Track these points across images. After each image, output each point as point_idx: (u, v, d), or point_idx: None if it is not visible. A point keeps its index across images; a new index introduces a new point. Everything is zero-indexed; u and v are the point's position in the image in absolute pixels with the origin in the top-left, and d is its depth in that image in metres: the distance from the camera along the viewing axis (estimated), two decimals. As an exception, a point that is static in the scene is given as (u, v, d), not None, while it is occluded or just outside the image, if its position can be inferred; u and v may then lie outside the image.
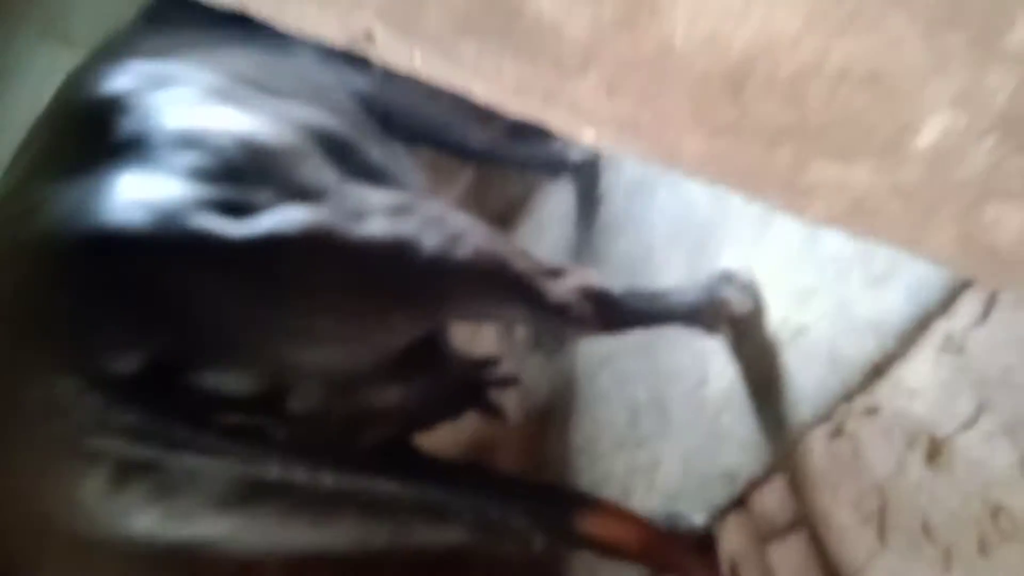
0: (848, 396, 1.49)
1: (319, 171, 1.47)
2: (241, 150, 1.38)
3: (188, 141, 1.36)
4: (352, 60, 2.12)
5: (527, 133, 2.47)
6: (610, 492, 2.03)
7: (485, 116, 2.42)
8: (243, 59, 1.75)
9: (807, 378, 1.57)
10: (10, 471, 1.30)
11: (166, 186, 1.29)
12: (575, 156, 2.45)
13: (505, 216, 3.01)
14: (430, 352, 1.59)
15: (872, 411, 1.44)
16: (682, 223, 2.03)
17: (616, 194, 2.38)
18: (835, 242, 1.59)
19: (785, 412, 1.60)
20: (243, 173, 1.35)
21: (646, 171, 2.25)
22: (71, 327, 1.22)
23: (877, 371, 1.44)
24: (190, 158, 1.34)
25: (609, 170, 2.45)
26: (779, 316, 1.67)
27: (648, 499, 1.91)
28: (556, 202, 2.71)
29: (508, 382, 2.04)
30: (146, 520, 1.33)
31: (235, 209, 1.30)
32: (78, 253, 1.25)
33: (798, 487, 1.56)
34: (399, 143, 2.18)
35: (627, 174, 2.34)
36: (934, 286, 1.37)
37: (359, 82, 2.08)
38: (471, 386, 1.80)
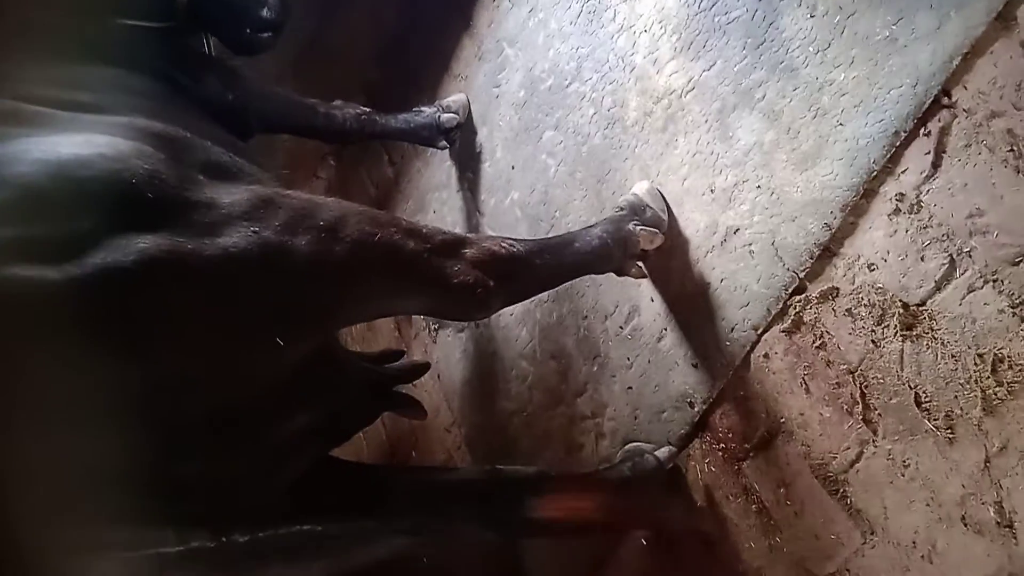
0: (800, 287, 1.32)
1: (153, 182, 1.12)
2: (46, 172, 1.04)
3: None
4: (195, 62, 1.85)
5: (394, 106, 2.24)
6: (553, 452, 1.81)
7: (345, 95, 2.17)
8: (37, 77, 1.40)
9: (749, 277, 1.39)
10: None
11: None
12: (446, 121, 2.21)
13: (380, 201, 2.74)
14: (325, 364, 1.28)
15: (830, 295, 1.28)
16: (576, 158, 1.83)
17: (495, 149, 2.15)
18: (748, 134, 1.42)
19: (732, 319, 1.42)
20: (54, 203, 1.01)
21: (524, 118, 2.03)
22: None
23: (828, 252, 1.28)
24: None
25: (481, 127, 2.22)
26: (704, 223, 1.48)
27: (598, 449, 1.70)
28: (430, 174, 2.45)
29: (417, 372, 1.75)
30: None
31: (50, 247, 0.97)
32: None
33: (763, 395, 1.38)
34: (254, 137, 1.90)
35: (503, 126, 2.12)
36: (872, 148, 1.21)
37: (201, 81, 1.77)
38: (378, 385, 1.51)
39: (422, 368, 1.77)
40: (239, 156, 1.44)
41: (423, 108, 2.24)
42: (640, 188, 1.59)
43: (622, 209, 1.57)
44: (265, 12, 1.77)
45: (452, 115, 2.21)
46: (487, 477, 1.35)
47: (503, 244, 1.41)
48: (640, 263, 1.56)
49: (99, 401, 0.96)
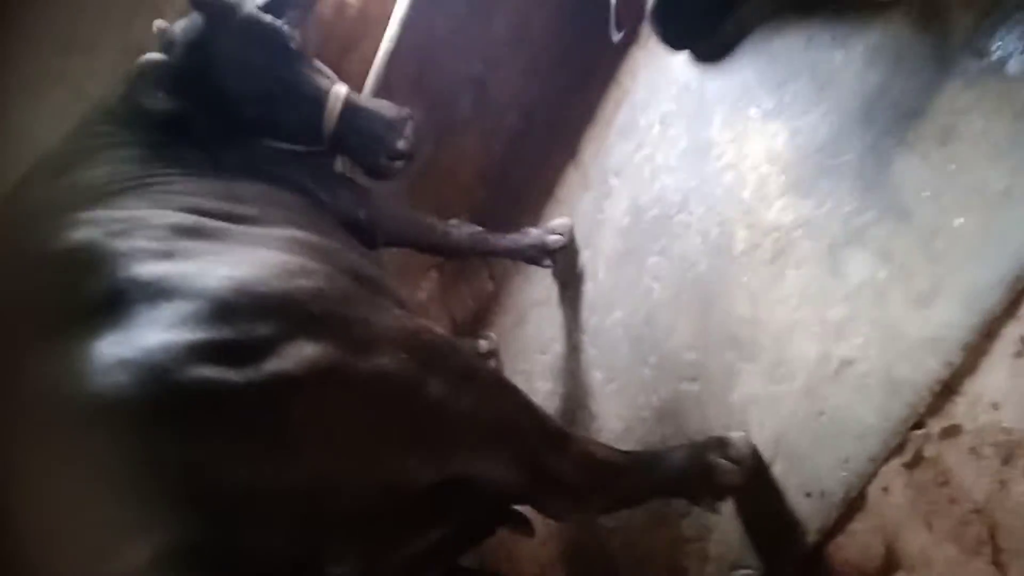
0: (919, 422, 1.33)
1: (317, 299, 1.24)
2: (227, 287, 1.15)
3: (166, 290, 1.13)
4: (330, 179, 2.01)
5: (503, 226, 2.36)
6: (657, 568, 1.80)
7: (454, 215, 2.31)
8: (202, 191, 1.56)
9: (865, 410, 1.41)
10: None
11: (148, 340, 1.05)
12: (552, 242, 2.32)
13: (479, 315, 2.84)
14: (457, 484, 1.34)
15: (952, 432, 1.28)
16: (681, 283, 1.89)
17: (597, 270, 2.23)
18: (860, 270, 1.47)
19: (847, 450, 1.43)
20: (234, 311, 1.12)
21: (628, 243, 2.12)
22: (74, 533, 0.94)
23: (948, 390, 1.29)
24: (173, 307, 1.10)
25: (584, 249, 2.32)
26: (815, 353, 1.51)
27: (703, 573, 1.69)
28: (531, 290, 2.55)
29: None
30: None
31: (233, 353, 1.07)
32: (56, 435, 0.98)
33: (881, 529, 1.37)
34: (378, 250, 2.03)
35: (606, 250, 2.21)
36: (992, 292, 1.24)
37: (338, 197, 1.93)
38: (496, 504, 1.57)
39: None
40: (376, 269, 1.56)
41: (530, 229, 2.36)
42: (735, 434, 1.61)
43: (708, 440, 1.61)
44: (401, 143, 1.92)
45: (558, 237, 2.32)
46: None
47: (604, 449, 1.51)
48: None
49: (265, 495, 1.03)
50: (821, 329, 1.51)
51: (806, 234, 1.59)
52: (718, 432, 1.68)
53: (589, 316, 2.23)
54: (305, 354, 1.10)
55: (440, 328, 1.42)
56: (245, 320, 1.11)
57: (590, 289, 2.25)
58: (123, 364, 1.00)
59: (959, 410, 1.27)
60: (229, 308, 1.11)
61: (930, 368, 1.31)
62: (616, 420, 2.02)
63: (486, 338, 2.68)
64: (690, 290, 1.86)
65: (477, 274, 2.85)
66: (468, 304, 2.91)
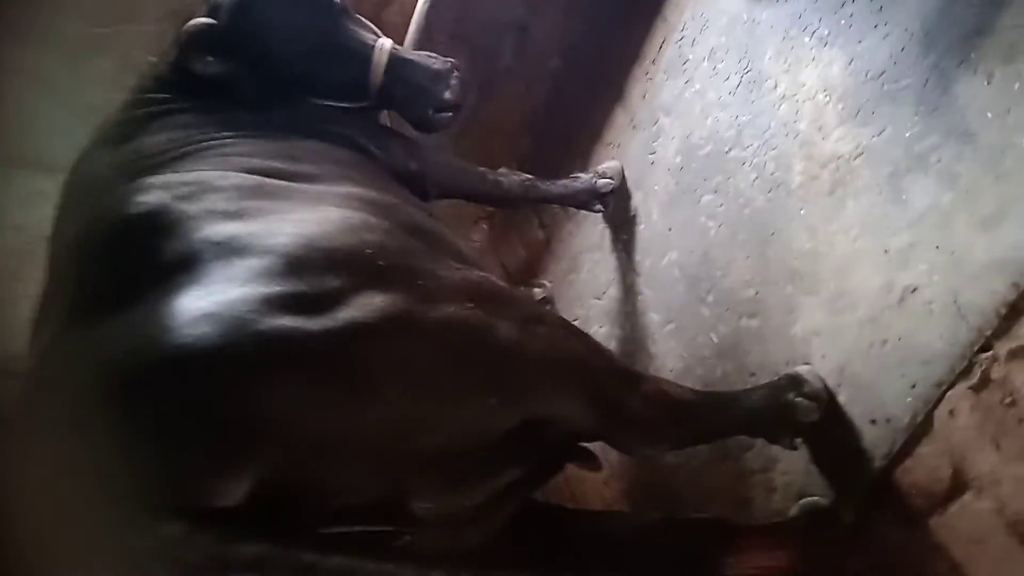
0: (985, 345, 1.33)
1: (383, 251, 1.28)
2: (296, 243, 1.20)
3: (238, 248, 1.18)
4: (379, 132, 2.04)
5: (552, 173, 2.38)
6: (720, 507, 1.84)
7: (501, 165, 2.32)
8: (259, 151, 1.60)
9: (930, 335, 1.41)
10: None
11: (228, 294, 1.10)
12: (602, 186, 2.33)
13: (531, 262, 2.87)
14: (532, 426, 1.39)
15: (1019, 353, 1.29)
16: (738, 220, 1.89)
17: (651, 212, 2.24)
18: (923, 197, 1.46)
19: (912, 375, 1.44)
20: (305, 266, 1.17)
21: (681, 182, 2.12)
22: (162, 466, 1.00)
23: (1014, 311, 1.30)
24: (246, 263, 1.15)
25: (636, 192, 2.32)
26: (879, 283, 1.52)
27: (769, 503, 1.73)
28: (583, 236, 2.57)
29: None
30: None
31: (307, 304, 1.12)
32: (151, 385, 1.03)
33: (948, 452, 1.39)
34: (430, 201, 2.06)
35: (658, 191, 2.21)
36: (1062, 209, 1.23)
37: (389, 150, 1.96)
38: (563, 444, 1.62)
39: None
40: (432, 222, 1.60)
41: (580, 174, 2.37)
42: (802, 368, 1.63)
43: (782, 379, 1.63)
44: (448, 95, 1.94)
45: (608, 180, 2.32)
46: (674, 528, 1.40)
47: (677, 388, 1.53)
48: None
49: (350, 434, 1.09)
50: (884, 258, 1.52)
51: (866, 163, 1.58)
52: (780, 366, 1.70)
53: (643, 258, 2.25)
54: (376, 303, 1.15)
55: (500, 279, 1.46)
56: (315, 274, 1.15)
57: (643, 231, 2.26)
58: (206, 317, 1.05)
59: (1029, 331, 1.28)
60: (299, 263, 1.16)
61: (996, 290, 1.31)
62: (675, 360, 2.05)
63: (540, 286, 2.72)
64: (747, 226, 1.87)
65: (527, 223, 2.87)
66: (520, 253, 2.94)
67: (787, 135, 1.78)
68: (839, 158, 1.64)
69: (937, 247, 1.42)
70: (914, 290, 1.45)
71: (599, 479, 2.20)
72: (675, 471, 1.99)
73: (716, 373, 1.90)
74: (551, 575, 1.14)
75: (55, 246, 1.60)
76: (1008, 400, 1.30)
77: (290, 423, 1.04)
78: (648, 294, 2.21)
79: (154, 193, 1.34)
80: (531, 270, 2.84)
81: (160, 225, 1.22)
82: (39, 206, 2.72)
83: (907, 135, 1.50)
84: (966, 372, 1.36)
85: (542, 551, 1.22)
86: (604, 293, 2.40)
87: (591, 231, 2.50)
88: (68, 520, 1.00)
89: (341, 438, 1.07)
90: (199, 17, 1.90)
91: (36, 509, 1.02)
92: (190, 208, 1.27)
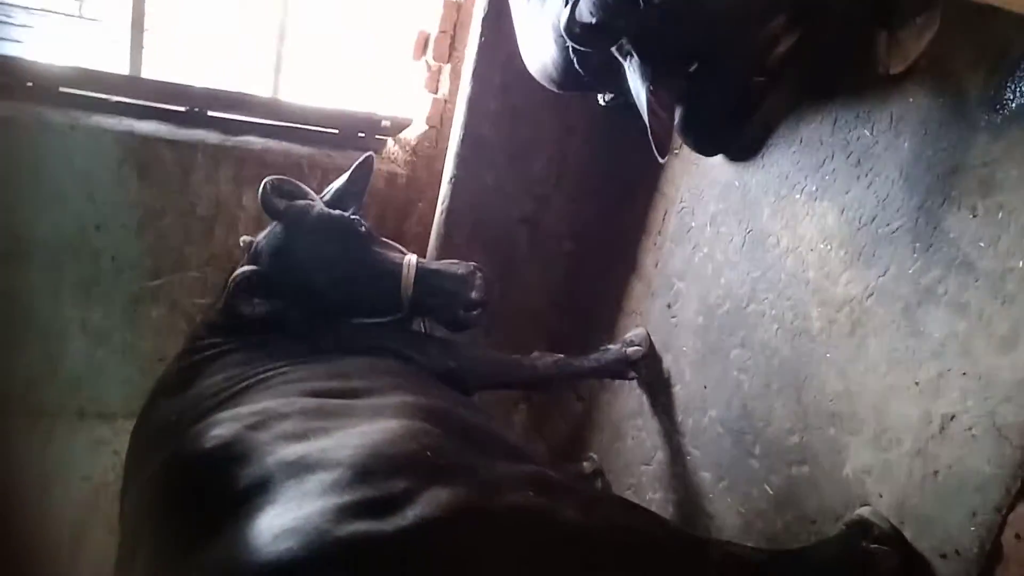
0: (1036, 463, 1.35)
1: (443, 449, 1.40)
2: (361, 454, 1.31)
3: (309, 465, 1.30)
4: (416, 339, 2.18)
5: (581, 348, 2.48)
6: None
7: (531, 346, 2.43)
8: (314, 375, 1.74)
9: (978, 461, 1.44)
10: None
11: (304, 508, 1.20)
12: (632, 354, 2.42)
13: (574, 436, 2.91)
14: None
15: (1071, 467, 1.30)
16: (768, 371, 1.96)
17: (683, 372, 2.31)
18: (939, 327, 1.53)
19: (971, 504, 1.44)
20: (371, 473, 1.27)
21: (707, 341, 2.20)
22: None
23: (1054, 426, 1.33)
24: (318, 478, 1.26)
25: (665, 355, 2.40)
26: (917, 415, 1.55)
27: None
28: (621, 404, 2.63)
29: None
30: None
31: (378, 508, 1.21)
32: None
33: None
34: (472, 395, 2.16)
35: (687, 351, 2.29)
36: (1071, 324, 1.30)
37: (428, 354, 2.08)
38: None
39: None
40: (482, 418, 1.68)
41: (609, 346, 2.47)
42: (865, 510, 1.63)
43: (849, 527, 1.62)
44: (474, 294, 2.09)
45: (637, 347, 2.42)
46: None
47: (745, 549, 1.58)
48: None
49: None
50: (916, 390, 1.56)
51: (878, 301, 1.66)
52: (839, 510, 1.70)
53: (685, 418, 2.29)
54: (442, 498, 1.22)
55: (550, 468, 1.52)
56: (382, 479, 1.24)
57: (680, 392, 2.32)
58: (287, 532, 1.14)
59: (1072, 443, 1.30)
60: (366, 471, 1.26)
61: (1032, 408, 1.35)
62: (734, 517, 2.04)
63: (588, 459, 2.74)
64: (778, 375, 1.93)
65: (565, 398, 2.94)
66: (562, 428, 2.98)
67: (798, 285, 1.88)
68: (852, 300, 1.73)
69: (964, 373, 1.47)
70: (952, 417, 1.49)
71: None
72: None
73: (776, 525, 1.89)
74: None
75: (127, 499, 1.69)
76: (1071, 515, 1.30)
77: None
78: (696, 454, 2.24)
79: (225, 426, 1.45)
80: (575, 444, 2.88)
81: (235, 454, 1.32)
82: (101, 454, 2.87)
83: (910, 271, 1.59)
84: (1022, 492, 1.37)
85: None
86: (652, 458, 2.43)
87: (629, 398, 2.56)
88: None
89: None
90: (241, 264, 2.09)
91: None
92: (261, 436, 1.38)
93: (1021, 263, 1.38)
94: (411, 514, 1.18)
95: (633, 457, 2.53)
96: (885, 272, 1.65)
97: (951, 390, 1.49)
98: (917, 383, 1.56)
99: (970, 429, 1.45)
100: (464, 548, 1.19)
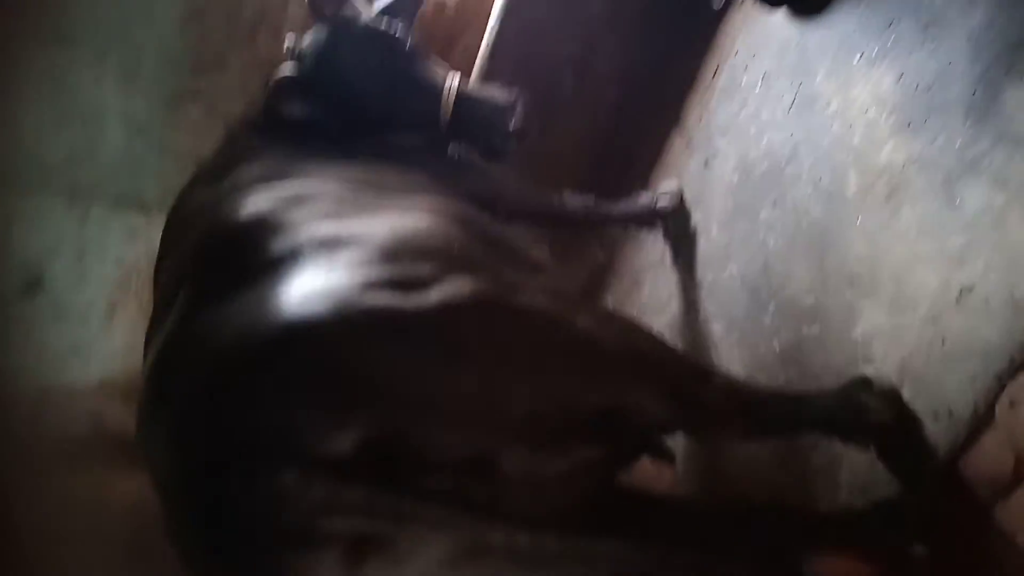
0: (1044, 336, 1.40)
1: (468, 247, 1.45)
2: (391, 237, 1.37)
3: (339, 242, 1.35)
4: (451, 161, 2.19)
5: (615, 191, 2.49)
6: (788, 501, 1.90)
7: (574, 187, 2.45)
8: (348, 175, 1.77)
9: (988, 331, 1.48)
10: (241, 564, 1.21)
11: (332, 278, 1.27)
12: (662, 204, 2.44)
13: (593, 284, 2.97)
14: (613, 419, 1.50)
15: (1077, 342, 1.35)
16: (796, 232, 1.98)
17: (710, 228, 2.34)
18: (976, 199, 1.53)
19: (972, 370, 1.50)
20: (399, 255, 1.33)
21: (739, 199, 2.22)
22: (282, 421, 1.15)
23: (1070, 302, 1.36)
24: (347, 254, 1.32)
25: (695, 210, 2.42)
26: (936, 283, 1.59)
27: (835, 500, 1.78)
28: (643, 255, 2.67)
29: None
30: None
31: (402, 285, 1.27)
32: (269, 352, 1.20)
33: (1011, 442, 1.44)
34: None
35: (717, 208, 2.31)
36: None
37: (461, 177, 2.11)
38: (642, 437, 1.72)
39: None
40: (516, 240, 1.73)
41: (640, 195, 2.49)
42: (868, 370, 1.69)
43: (852, 382, 1.68)
44: (513, 125, 2.09)
45: (667, 199, 2.44)
46: (765, 527, 1.47)
47: (747, 383, 1.63)
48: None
49: (441, 398, 1.22)
50: (941, 259, 1.59)
51: (919, 170, 1.66)
52: (842, 369, 1.77)
53: (705, 273, 2.34)
54: (466, 285, 1.29)
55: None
56: (408, 262, 1.31)
57: (704, 247, 2.36)
58: (315, 295, 1.22)
59: (1084, 321, 1.34)
60: (394, 253, 1.32)
61: (1052, 284, 1.38)
62: (739, 368, 2.12)
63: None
64: (805, 237, 1.95)
65: (587, 245, 2.98)
66: (580, 276, 3.05)
67: (842, 149, 1.87)
68: (893, 168, 1.72)
69: (993, 246, 1.49)
70: (971, 288, 1.52)
71: (663, 484, 2.27)
72: (739, 479, 2.05)
73: (779, 379, 1.97)
74: (632, 545, 1.22)
75: (160, 274, 1.77)
76: (1068, 388, 1.36)
77: (392, 384, 1.19)
78: (710, 307, 2.30)
79: (261, 201, 1.51)
80: (593, 291, 2.94)
81: (268, 227, 1.39)
82: (135, 243, 2.96)
83: (958, 142, 1.58)
84: (1025, 364, 1.42)
85: (621, 525, 1.31)
86: (666, 308, 2.50)
87: (651, 249, 2.60)
88: (192, 468, 1.14)
89: (439, 399, 1.21)
90: (284, 65, 2.08)
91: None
92: (295, 213, 1.44)
93: (1073, 141, 1.37)
94: (433, 296, 1.25)
95: (647, 306, 2.60)
96: (932, 141, 1.64)
97: (976, 261, 1.52)
98: (943, 252, 1.58)
99: (987, 300, 1.49)
100: (479, 335, 1.26)
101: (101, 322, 2.75)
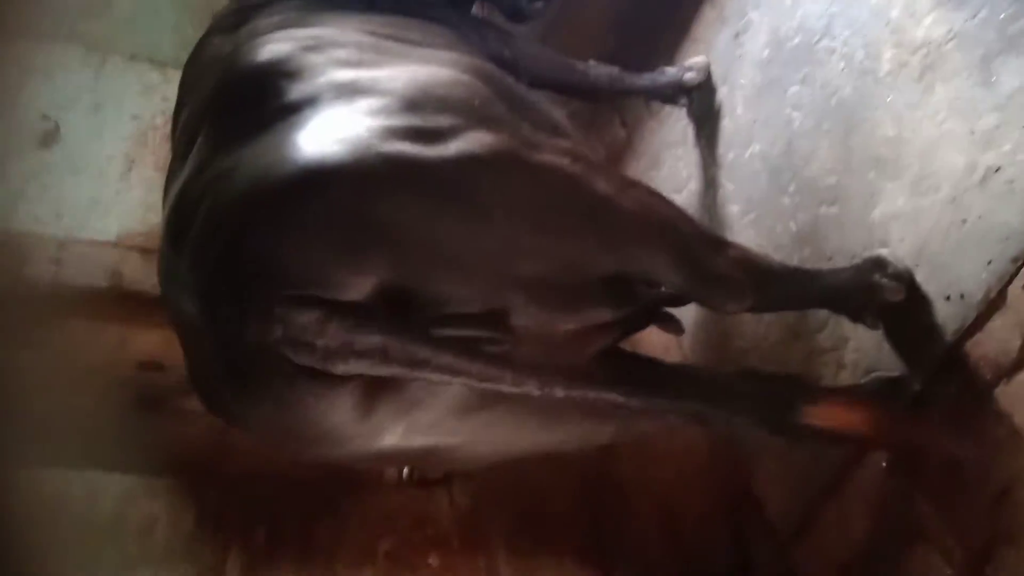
0: (1065, 220, 1.38)
1: (491, 103, 1.41)
2: (413, 87, 1.33)
3: (359, 89, 1.31)
4: (475, 21, 2.12)
5: (640, 65, 2.42)
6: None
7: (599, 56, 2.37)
8: (376, 21, 1.71)
9: (1010, 213, 1.46)
10: (262, 403, 1.24)
11: (351, 124, 1.24)
12: (688, 79, 2.37)
13: (612, 160, 2.93)
14: (625, 280, 1.50)
15: (1099, 227, 1.33)
16: (824, 110, 1.93)
17: (735, 105, 2.28)
18: (1013, 78, 1.48)
19: (989, 252, 1.49)
20: (420, 105, 1.29)
21: (767, 75, 2.15)
22: (300, 264, 1.15)
23: (1097, 186, 1.33)
24: (366, 102, 1.28)
25: (721, 86, 2.36)
26: (963, 163, 1.55)
27: (837, 379, 1.81)
28: (664, 133, 2.62)
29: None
30: (392, 436, 1.29)
31: (423, 135, 1.24)
32: (287, 193, 1.18)
33: (1019, 324, 1.44)
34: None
35: (744, 84, 2.25)
36: None
37: (485, 38, 2.04)
38: (651, 305, 1.73)
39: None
40: (540, 102, 1.70)
41: (666, 68, 2.41)
42: (884, 251, 1.68)
43: (866, 261, 1.68)
44: (540, -15, 2.01)
45: (694, 74, 2.36)
46: (762, 379, 1.50)
47: (762, 255, 1.62)
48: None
49: (457, 250, 1.22)
50: (969, 140, 1.55)
51: (957, 46, 1.60)
52: (857, 250, 1.76)
53: (726, 152, 2.30)
54: (485, 139, 1.27)
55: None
56: (430, 113, 1.28)
57: (727, 125, 2.30)
58: (336, 140, 1.20)
59: (1109, 205, 1.31)
60: (415, 103, 1.29)
61: (1081, 166, 1.35)
62: (753, 247, 2.11)
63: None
64: (832, 116, 1.90)
65: (609, 121, 2.93)
66: (600, 151, 3.00)
67: (878, 23, 1.80)
68: (930, 43, 1.66)
69: (1023, 127, 1.45)
70: (997, 169, 1.49)
71: (676, 358, 2.31)
72: (746, 352, 2.08)
73: (793, 259, 1.96)
74: (637, 395, 1.25)
75: (178, 122, 1.75)
76: (1083, 273, 1.35)
77: (408, 230, 1.18)
78: (729, 187, 2.27)
79: (280, 44, 1.47)
80: (612, 166, 2.91)
81: (288, 70, 1.35)
82: (151, 97, 2.93)
83: (1001, 16, 1.51)
84: (1043, 247, 1.40)
85: (627, 380, 1.34)
86: (684, 187, 2.47)
87: (674, 127, 2.55)
88: (211, 307, 1.18)
89: (453, 251, 1.21)
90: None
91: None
92: (315, 57, 1.40)
93: (1124, 16, 1.31)
94: (453, 147, 1.23)
95: (665, 185, 2.56)
96: (975, 15, 1.57)
97: (1004, 142, 1.48)
98: (972, 132, 1.54)
99: (1011, 182, 1.46)
100: (497, 189, 1.25)
101: (119, 177, 2.75)
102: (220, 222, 1.23)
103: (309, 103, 1.29)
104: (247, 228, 1.20)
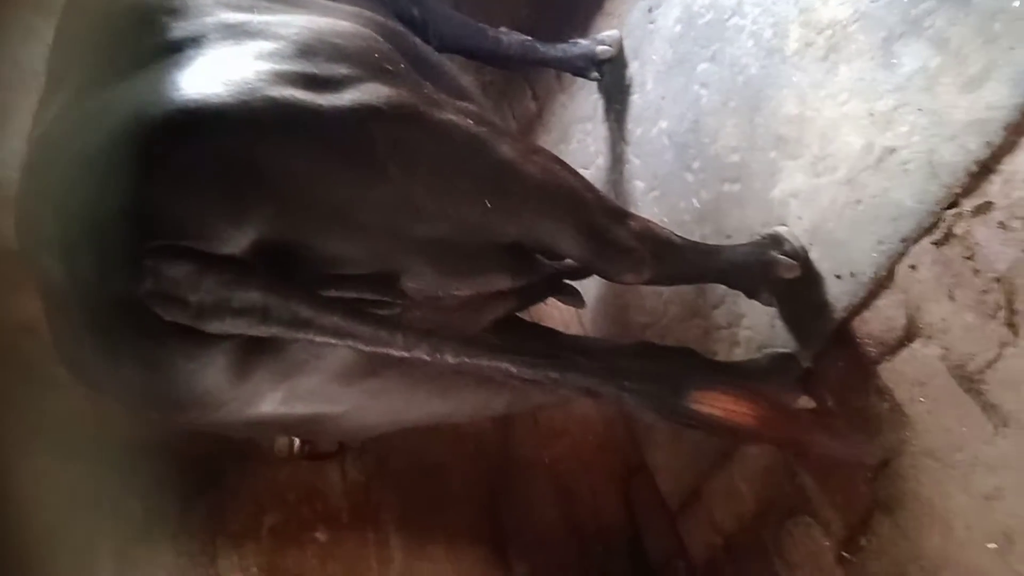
0: (953, 202, 1.41)
1: (391, 58, 1.33)
2: (308, 34, 1.23)
3: (249, 32, 1.21)
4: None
5: (553, 36, 2.38)
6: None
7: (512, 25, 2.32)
8: None
9: (902, 194, 1.49)
10: (128, 364, 1.14)
11: (239, 65, 1.13)
12: (600, 52, 2.34)
13: (522, 133, 2.89)
14: (525, 250, 1.45)
15: (983, 208, 1.36)
16: (731, 88, 1.93)
17: (645, 81, 2.27)
18: (913, 60, 1.50)
19: (881, 232, 1.52)
20: (315, 52, 1.20)
21: (678, 51, 2.14)
22: (173, 212, 1.05)
23: (985, 169, 1.37)
24: (256, 44, 1.18)
25: (632, 61, 2.34)
26: (860, 144, 1.58)
27: (731, 356, 1.83)
28: (575, 107, 2.60)
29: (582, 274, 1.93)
30: (270, 403, 1.20)
31: (316, 83, 1.16)
32: (161, 136, 1.07)
33: (905, 303, 1.48)
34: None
35: (655, 60, 2.24)
36: (1041, 71, 1.29)
37: (395, 1, 1.96)
38: (552, 277, 1.69)
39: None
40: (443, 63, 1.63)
41: (579, 40, 2.38)
42: (781, 229, 1.71)
43: (764, 238, 1.71)
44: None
45: (607, 47, 2.34)
46: (656, 359, 1.49)
47: (663, 229, 1.61)
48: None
49: (346, 206, 1.15)
50: (868, 121, 1.57)
51: (862, 28, 1.62)
52: (756, 228, 1.77)
53: (634, 128, 2.29)
54: (382, 91, 1.20)
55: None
56: (325, 60, 1.20)
57: (637, 101, 2.29)
58: (218, 81, 1.09)
59: (993, 188, 1.35)
60: (310, 49, 1.20)
61: (970, 149, 1.38)
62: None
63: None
64: (739, 94, 1.91)
65: (520, 93, 2.89)
66: (511, 124, 2.96)
67: (788, 3, 1.80)
68: (836, 24, 1.67)
69: (920, 109, 1.48)
70: (893, 151, 1.51)
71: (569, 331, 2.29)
72: (645, 328, 2.09)
73: (694, 235, 1.96)
74: (526, 363, 1.21)
75: (51, 55, 1.60)
76: (967, 254, 1.38)
77: (292, 181, 1.09)
78: (636, 162, 2.26)
79: None
80: (521, 141, 2.87)
81: (171, 7, 1.24)
82: (33, 43, 2.70)
83: (905, 0, 1.53)
84: (931, 228, 1.44)
85: (522, 349, 1.30)
86: (592, 163, 2.45)
87: (584, 102, 2.53)
88: (77, 262, 1.06)
89: (342, 206, 1.13)
90: None
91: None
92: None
93: (1016, 3, 1.34)
94: (348, 96, 1.15)
95: (574, 159, 2.54)
96: (879, -2, 1.59)
97: (901, 124, 1.51)
98: (871, 114, 1.56)
99: (906, 164, 1.49)
100: (392, 144, 1.17)
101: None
102: (87, 166, 1.11)
103: (192, 42, 1.18)
104: (116, 172, 1.09)
